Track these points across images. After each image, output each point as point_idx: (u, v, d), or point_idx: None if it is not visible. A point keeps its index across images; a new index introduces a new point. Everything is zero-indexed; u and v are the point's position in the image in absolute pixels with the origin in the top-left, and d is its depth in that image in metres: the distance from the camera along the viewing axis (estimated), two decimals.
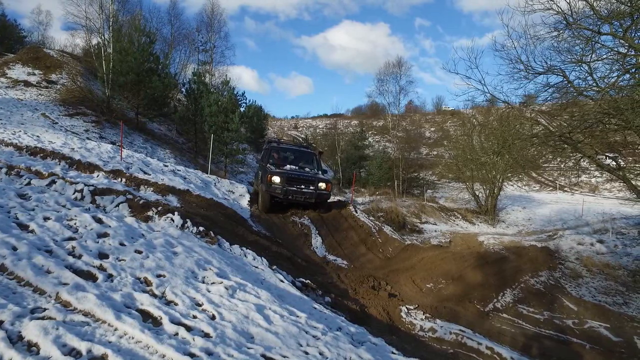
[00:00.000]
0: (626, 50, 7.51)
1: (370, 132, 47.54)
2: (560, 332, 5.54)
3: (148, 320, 3.17)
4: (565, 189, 31.11)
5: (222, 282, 4.08)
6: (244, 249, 5.59)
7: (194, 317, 3.36)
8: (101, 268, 3.75)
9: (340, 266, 7.48)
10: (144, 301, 3.38)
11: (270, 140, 13.74)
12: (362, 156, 32.18)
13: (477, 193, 19.23)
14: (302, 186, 9.55)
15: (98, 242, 4.26)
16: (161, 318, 3.20)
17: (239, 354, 2.97)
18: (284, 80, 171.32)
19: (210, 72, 28.77)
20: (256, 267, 5.17)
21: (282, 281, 4.96)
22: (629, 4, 6.65)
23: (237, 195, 10.10)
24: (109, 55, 15.03)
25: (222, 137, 17.29)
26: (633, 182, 9.64)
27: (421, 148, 40.69)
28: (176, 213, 5.72)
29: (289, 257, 6.70)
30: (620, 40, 7.29)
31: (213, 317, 3.45)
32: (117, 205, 5.62)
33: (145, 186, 7.24)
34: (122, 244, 4.37)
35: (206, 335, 3.13)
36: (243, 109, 25.64)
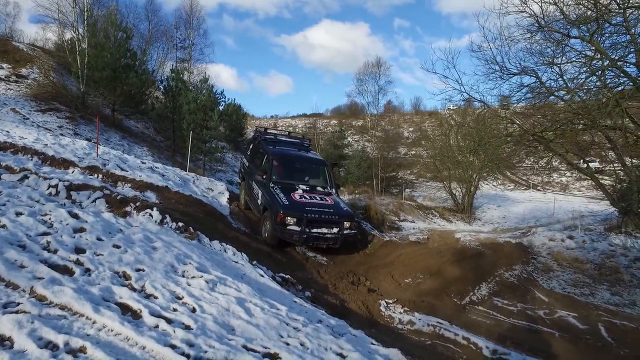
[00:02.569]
0: (593, 54, 7.85)
1: (349, 132, 47.84)
2: (532, 322, 5.75)
3: (127, 313, 3.14)
4: (538, 188, 32.15)
5: (202, 276, 4.07)
6: (224, 244, 5.57)
7: (175, 310, 3.35)
8: (78, 262, 3.68)
9: (320, 262, 7.53)
10: (123, 295, 3.35)
11: (263, 131, 10.31)
12: (341, 155, 32.37)
13: (454, 192, 19.65)
14: (325, 229, 7.44)
15: (74, 237, 4.17)
16: (141, 311, 3.18)
17: (220, 345, 2.98)
18: (264, 79, 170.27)
19: (189, 69, 28.32)
20: (236, 262, 5.17)
21: (262, 276, 4.98)
22: (594, 10, 6.95)
23: (216, 192, 10.01)
24: (83, 50, 14.62)
25: (200, 135, 17.09)
26: (600, 180, 10.08)
27: (400, 148, 41.25)
28: (155, 209, 5.65)
29: (269, 253, 6.72)
30: (588, 44, 7.62)
31: (194, 310, 3.45)
32: (94, 201, 5.51)
33: (123, 182, 7.11)
34: (99, 239, 4.30)
35: (187, 328, 3.12)
36: (222, 107, 25.39)
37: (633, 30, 7.19)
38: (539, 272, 8.23)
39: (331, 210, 7.74)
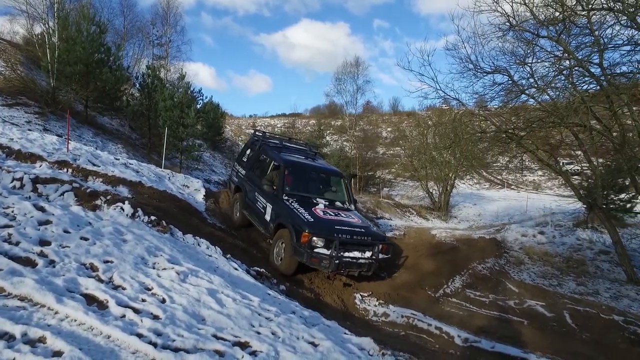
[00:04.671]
0: (561, 54, 8.13)
1: (328, 132, 47.93)
2: (503, 312, 5.91)
3: (93, 303, 3.06)
4: (512, 186, 33.03)
5: (173, 268, 4.00)
6: (197, 238, 5.49)
7: (143, 300, 3.29)
8: (42, 254, 3.56)
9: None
10: (90, 286, 3.26)
11: (263, 136, 9.26)
12: (320, 154, 32.38)
13: (431, 190, 19.99)
14: (357, 253, 6.25)
15: (39, 230, 4.03)
16: (107, 301, 3.10)
17: (189, 334, 2.94)
18: (243, 78, 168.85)
19: (165, 67, 27.86)
20: (210, 256, 5.11)
21: (236, 269, 4.94)
22: (561, 11, 7.20)
23: (192, 189, 9.87)
24: (53, 44, 14.13)
25: (177, 132, 16.81)
26: (569, 178, 10.45)
27: (378, 147, 41.61)
28: (126, 202, 5.52)
29: (244, 248, 6.67)
30: (556, 44, 7.89)
31: (163, 301, 3.39)
32: (62, 194, 5.34)
33: (94, 177, 6.92)
34: (66, 231, 4.17)
35: (155, 317, 3.07)
36: (200, 105, 25.06)
37: (597, 33, 7.50)
38: (510, 265, 8.46)
39: (363, 231, 6.62)
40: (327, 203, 7.17)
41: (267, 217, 7.01)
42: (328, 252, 5.92)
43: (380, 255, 6.49)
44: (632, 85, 7.88)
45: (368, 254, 6.32)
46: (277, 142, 9.05)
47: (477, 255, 8.69)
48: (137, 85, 19.97)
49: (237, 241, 6.90)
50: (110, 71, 15.59)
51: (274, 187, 7.06)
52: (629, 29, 6.93)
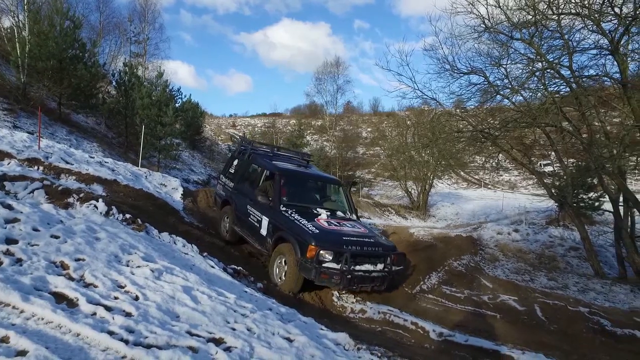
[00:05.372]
0: (534, 57, 8.40)
1: (308, 132, 48.00)
2: (477, 306, 6.06)
3: (62, 302, 2.99)
4: (489, 186, 33.81)
5: (147, 265, 3.95)
6: (173, 236, 5.43)
7: (115, 298, 3.23)
8: (8, 253, 3.46)
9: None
10: (59, 284, 3.18)
11: (251, 144, 8.70)
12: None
13: (410, 190, 20.31)
14: (369, 266, 5.77)
15: (6, 228, 3.91)
16: (77, 299, 3.04)
17: (162, 331, 2.91)
18: (223, 77, 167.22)
19: (143, 64, 27.38)
20: (186, 254, 5.06)
21: (212, 267, 4.91)
22: (533, 14, 7.44)
23: (169, 188, 9.73)
24: (24, 39, 13.67)
25: (155, 131, 16.52)
26: (541, 177, 10.79)
27: (358, 147, 41.95)
28: (100, 200, 5.41)
29: (222, 247, 6.63)
30: (529, 47, 8.15)
31: (136, 298, 3.34)
32: (32, 192, 5.19)
33: (67, 175, 6.75)
34: (35, 229, 4.05)
35: (128, 315, 3.02)
36: (178, 104, 24.71)
37: (567, 36, 7.79)
38: (485, 262, 8.67)
39: (372, 241, 6.14)
40: (329, 213, 6.64)
41: (263, 232, 6.46)
42: (338, 267, 5.43)
43: (393, 267, 6.03)
44: (599, 88, 8.22)
45: (380, 266, 5.86)
46: (268, 150, 8.60)
47: (453, 253, 8.87)
48: (114, 83, 19.52)
49: (215, 240, 6.85)
50: (86, 68, 15.20)
51: (270, 198, 6.53)
52: (595, 33, 7.21)
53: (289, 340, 3.37)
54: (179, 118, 21.81)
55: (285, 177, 6.94)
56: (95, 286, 3.34)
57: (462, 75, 9.05)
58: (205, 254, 5.30)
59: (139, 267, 3.93)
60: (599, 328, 5.01)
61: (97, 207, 5.27)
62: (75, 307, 2.94)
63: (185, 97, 26.91)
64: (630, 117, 7.57)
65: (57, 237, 4.01)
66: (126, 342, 2.65)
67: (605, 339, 4.80)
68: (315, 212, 6.57)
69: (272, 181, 6.90)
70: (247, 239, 7.03)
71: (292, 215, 6.20)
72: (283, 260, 5.92)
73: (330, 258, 5.45)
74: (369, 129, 54.96)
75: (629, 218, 8.64)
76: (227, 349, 2.94)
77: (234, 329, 3.27)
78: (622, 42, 6.97)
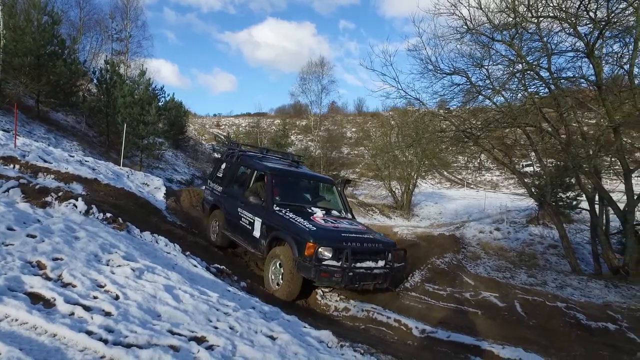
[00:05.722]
0: (514, 58, 8.59)
1: (293, 131, 47.98)
2: (459, 303, 6.15)
3: (38, 302, 2.92)
4: (472, 186, 34.36)
5: (128, 265, 3.89)
6: (155, 235, 5.35)
7: (95, 297, 3.17)
8: None
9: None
10: (35, 284, 3.11)
11: (238, 146, 8.47)
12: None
13: (394, 190, 20.49)
14: (371, 263, 5.62)
15: None
16: (55, 299, 2.97)
17: (143, 330, 2.87)
18: (207, 76, 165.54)
19: (125, 62, 26.91)
20: (168, 253, 5.00)
21: (195, 266, 4.86)
22: (513, 17, 7.61)
23: (152, 187, 9.60)
24: None
25: (137, 130, 16.27)
26: (521, 176, 11.03)
27: (343, 147, 42.10)
28: (80, 199, 5.30)
29: (205, 246, 6.58)
30: (510, 48, 8.33)
31: (116, 297, 3.29)
32: (7, 191, 5.05)
33: (45, 174, 6.58)
34: (10, 229, 3.95)
35: (107, 314, 2.97)
36: (162, 103, 24.39)
37: (545, 39, 7.99)
38: (468, 260, 8.82)
39: (372, 238, 6.05)
40: (324, 212, 6.49)
41: (256, 233, 6.25)
42: (339, 264, 5.21)
43: (395, 264, 5.89)
44: (576, 90, 8.45)
45: (381, 263, 5.70)
46: (257, 152, 8.49)
47: (436, 251, 8.99)
48: (95, 81, 19.15)
49: (199, 239, 6.79)
50: (65, 65, 14.87)
51: (262, 199, 6.36)
52: (572, 37, 7.42)
53: (272, 338, 3.37)
54: (162, 117, 21.57)
55: (277, 176, 6.78)
56: (74, 286, 3.28)
57: (445, 75, 9.21)
58: (187, 253, 5.24)
59: (119, 266, 3.87)
60: (575, 322, 5.16)
61: (76, 206, 5.16)
62: (52, 308, 2.88)
63: (168, 96, 26.60)
64: (605, 118, 7.80)
65: (33, 237, 3.92)
66: (105, 341, 2.60)
67: (581, 333, 4.95)
68: (310, 210, 6.39)
69: (264, 181, 6.74)
70: (239, 242, 6.82)
71: (287, 214, 6.01)
72: (278, 263, 5.70)
73: (330, 255, 5.27)
74: (353, 129, 55.23)
75: (604, 216, 8.91)
76: (209, 348, 2.91)
77: (216, 328, 3.25)
78: (597, 46, 7.19)
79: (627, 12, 6.56)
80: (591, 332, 4.97)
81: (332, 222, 6.16)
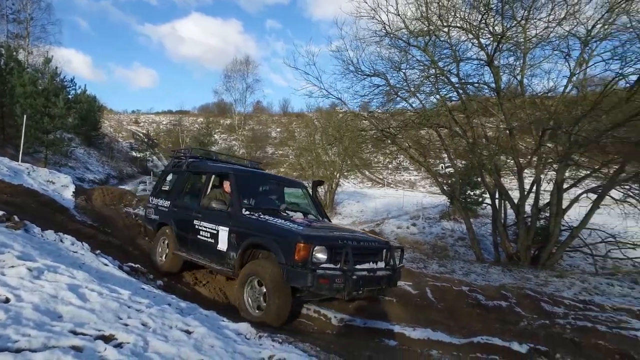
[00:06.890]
0: (429, 63, 9.32)
1: (217, 130, 46.68)
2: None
3: None
4: (391, 185, 36.33)
5: (24, 265, 3.52)
6: (60, 234, 4.91)
7: None
8: None
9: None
10: None
11: (189, 153, 7.30)
12: (207, 153, 31.34)
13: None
14: (373, 264, 4.77)
15: None
16: None
17: (38, 333, 2.63)
18: (125, 70, 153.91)
19: (25, 48, 24.07)
20: (75, 252, 4.61)
21: (106, 265, 4.56)
22: (427, 24, 8.27)
23: (58, 185, 8.74)
24: None
25: (41, 123, 14.70)
26: (435, 174, 11.97)
27: (267, 147, 41.97)
28: None
29: (119, 245, 6.18)
30: (424, 53, 9.03)
31: (7, 300, 2.97)
32: None
33: None
34: None
35: None
36: (71, 95, 22.28)
37: (455, 47, 8.80)
38: None
39: (365, 236, 5.36)
40: (301, 215, 5.77)
41: (222, 246, 5.24)
42: (337, 267, 4.32)
43: (396, 271, 5.12)
44: (482, 97, 9.42)
45: (381, 263, 4.91)
46: (213, 155, 7.69)
47: None
48: None
49: (112, 238, 6.35)
50: None
51: (227, 204, 5.40)
52: (476, 47, 8.28)
53: (188, 332, 3.29)
54: (71, 111, 19.74)
55: (242, 178, 5.85)
56: None
57: (365, 77, 9.69)
58: (98, 251, 4.89)
59: (12, 267, 3.49)
60: (475, 302, 5.77)
61: None
62: None
63: (80, 88, 24.39)
64: (503, 122, 8.80)
65: None
66: None
67: (480, 311, 5.59)
68: (286, 214, 5.55)
69: (222, 188, 5.87)
70: (200, 261, 5.65)
71: (261, 217, 5.06)
72: (256, 281, 4.67)
73: (325, 257, 4.35)
74: (278, 129, 55.18)
75: (503, 210, 10.03)
76: (118, 345, 2.77)
77: (126, 325, 3.09)
78: (495, 56, 8.11)
79: (518, 29, 7.50)
80: (488, 309, 5.61)
81: (316, 222, 5.49)
